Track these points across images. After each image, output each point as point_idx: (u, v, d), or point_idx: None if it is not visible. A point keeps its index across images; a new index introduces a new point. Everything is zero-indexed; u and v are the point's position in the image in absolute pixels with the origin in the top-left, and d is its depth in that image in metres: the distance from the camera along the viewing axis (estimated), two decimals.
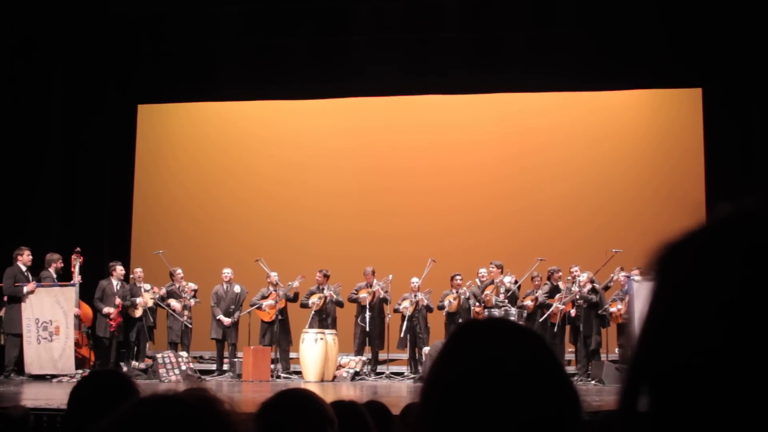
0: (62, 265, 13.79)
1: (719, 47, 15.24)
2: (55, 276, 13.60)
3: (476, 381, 1.25)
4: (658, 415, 0.72)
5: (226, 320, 14.65)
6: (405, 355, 14.72)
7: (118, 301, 13.98)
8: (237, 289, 14.93)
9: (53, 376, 12.82)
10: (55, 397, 9.53)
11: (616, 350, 14.03)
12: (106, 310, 13.89)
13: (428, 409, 1.30)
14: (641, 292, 12.06)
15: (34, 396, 10.17)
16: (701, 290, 0.71)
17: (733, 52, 15.12)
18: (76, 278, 13.78)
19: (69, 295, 13.40)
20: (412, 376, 14.09)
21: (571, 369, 14.00)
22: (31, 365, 12.96)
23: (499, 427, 1.22)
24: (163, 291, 14.60)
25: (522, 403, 1.23)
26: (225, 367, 14.77)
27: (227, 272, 14.98)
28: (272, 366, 14.19)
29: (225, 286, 14.93)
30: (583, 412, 1.32)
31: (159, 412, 1.24)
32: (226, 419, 1.26)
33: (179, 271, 14.90)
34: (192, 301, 14.78)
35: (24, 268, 13.34)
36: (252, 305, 14.74)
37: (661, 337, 0.74)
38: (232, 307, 14.80)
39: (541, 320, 14.00)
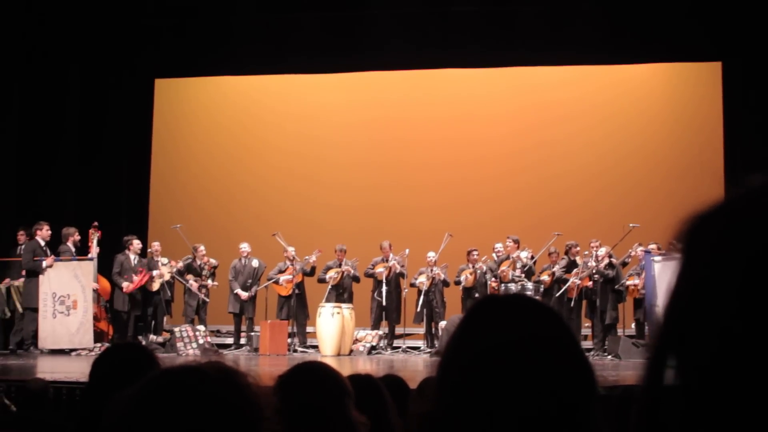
0: (79, 237, 13.84)
1: (739, 20, 15.10)
2: (73, 250, 13.65)
3: (494, 358, 1.25)
4: (684, 389, 0.72)
5: (244, 294, 14.71)
6: (421, 330, 14.73)
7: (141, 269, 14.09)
8: (255, 263, 14.97)
9: (72, 350, 12.90)
10: (74, 370, 9.60)
11: (633, 325, 14.03)
12: (126, 285, 13.94)
13: (446, 384, 1.31)
14: (660, 269, 12.03)
15: (52, 369, 10.23)
16: (728, 264, 0.71)
17: (754, 25, 14.99)
18: (94, 252, 13.84)
19: (87, 269, 13.45)
20: (429, 350, 14.11)
21: (587, 344, 14.02)
22: (45, 340, 13.01)
23: (516, 404, 1.23)
24: (180, 265, 14.64)
25: (539, 380, 1.23)
26: (242, 341, 14.84)
27: (245, 246, 15.01)
28: (289, 340, 14.24)
29: (243, 261, 14.97)
30: (599, 388, 1.32)
31: (182, 382, 1.24)
32: (248, 391, 1.26)
33: (202, 247, 14.93)
34: (209, 281, 14.82)
35: (43, 243, 13.40)
36: (269, 279, 14.78)
37: (687, 311, 0.73)
38: (250, 281, 14.84)
39: (557, 295, 13.99)
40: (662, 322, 0.76)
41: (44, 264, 13.12)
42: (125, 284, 13.92)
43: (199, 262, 14.80)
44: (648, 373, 0.77)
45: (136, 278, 13.93)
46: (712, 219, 0.74)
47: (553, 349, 1.30)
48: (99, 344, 12.98)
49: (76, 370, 9.51)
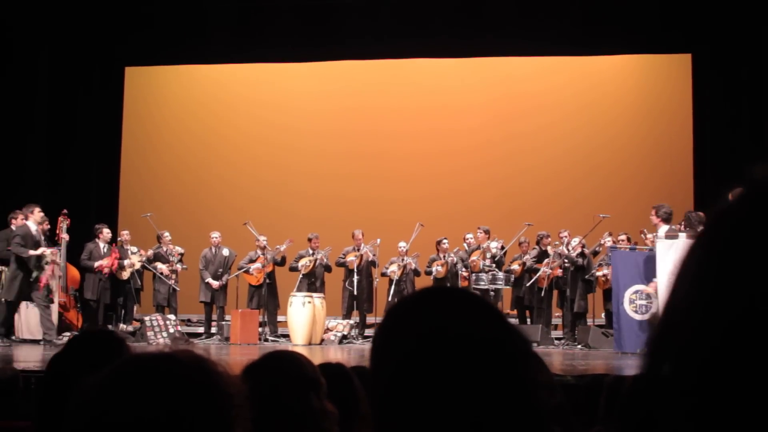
0: (48, 227, 13.72)
1: (709, 12, 15.21)
2: (42, 238, 13.52)
3: (426, 353, 1.18)
4: (685, 380, 0.72)
5: (215, 283, 14.67)
6: None
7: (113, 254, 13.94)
8: (225, 252, 14.94)
9: (41, 339, 12.78)
10: (44, 359, 9.51)
11: (603, 315, 14.11)
12: (98, 263, 13.85)
13: (375, 393, 1.25)
14: (622, 260, 12.02)
15: (22, 358, 10.15)
16: (739, 261, 0.70)
17: (723, 17, 15.10)
18: (63, 240, 13.72)
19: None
20: None
21: (557, 333, 14.10)
22: (22, 329, 12.90)
23: (443, 411, 1.16)
24: (150, 253, 14.59)
25: (467, 382, 1.16)
26: (213, 330, 14.80)
27: (215, 235, 14.97)
28: (260, 329, 14.22)
29: (213, 249, 14.93)
30: (548, 382, 1.25)
31: (152, 368, 1.23)
32: (219, 378, 1.25)
33: (167, 234, 14.88)
34: (179, 266, 14.78)
35: None
36: (240, 269, 14.74)
37: (692, 305, 0.73)
38: (220, 270, 14.81)
39: (528, 284, 14.06)
40: (664, 315, 0.75)
41: None
42: (97, 263, 13.83)
43: (165, 248, 14.74)
44: (649, 363, 0.76)
45: (106, 260, 13.84)
46: (729, 214, 0.73)
47: (483, 347, 1.19)
48: (68, 333, 12.87)
49: (46, 359, 9.41)
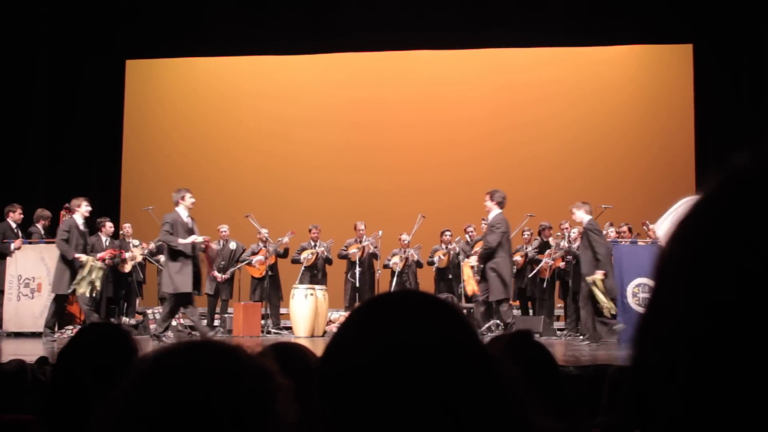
0: (50, 224, 13.73)
1: (710, 2, 15.19)
2: (42, 232, 13.53)
3: (371, 368, 1.15)
4: (669, 369, 0.72)
5: (219, 276, 14.69)
6: None
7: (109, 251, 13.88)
8: (232, 245, 14.95)
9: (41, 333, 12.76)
10: (43, 352, 9.51)
11: None
12: (100, 255, 13.82)
13: (325, 402, 1.22)
14: (625, 254, 12.02)
15: (23, 352, 10.14)
16: (714, 258, 0.70)
17: (724, 7, 15.07)
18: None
19: (54, 252, 13.31)
20: None
21: (560, 324, 14.10)
22: (9, 322, 12.87)
23: (399, 418, 1.13)
24: (152, 246, 14.57)
25: (423, 389, 1.13)
26: (216, 322, 14.81)
27: (224, 229, 14.98)
28: (262, 322, 14.23)
29: (221, 243, 14.95)
30: (509, 390, 1.19)
31: (211, 362, 1.22)
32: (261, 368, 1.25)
33: None
34: None
35: (14, 225, 13.26)
36: (242, 261, 14.76)
37: (673, 294, 0.73)
38: (223, 263, 14.81)
39: (530, 276, 14.05)
40: (649, 305, 0.75)
41: (12, 246, 12.98)
42: (99, 255, 13.81)
43: None
44: (637, 355, 0.76)
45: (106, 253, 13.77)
46: (707, 203, 0.73)
47: (440, 352, 1.15)
48: (70, 327, 12.88)
49: (46, 352, 9.42)
